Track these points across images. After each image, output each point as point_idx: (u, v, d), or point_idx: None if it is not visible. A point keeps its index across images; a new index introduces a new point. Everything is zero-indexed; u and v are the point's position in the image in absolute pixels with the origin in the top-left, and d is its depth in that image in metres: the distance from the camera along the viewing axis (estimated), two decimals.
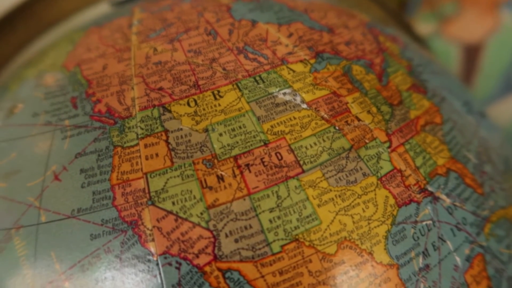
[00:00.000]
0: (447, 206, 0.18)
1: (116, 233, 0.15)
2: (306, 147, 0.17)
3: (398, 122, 0.19)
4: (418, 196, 0.17)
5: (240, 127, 0.17)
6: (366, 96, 0.19)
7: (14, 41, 0.28)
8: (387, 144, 0.18)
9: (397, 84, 0.20)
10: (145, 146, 0.17)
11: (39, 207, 0.17)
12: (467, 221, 0.18)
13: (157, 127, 0.17)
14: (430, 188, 0.18)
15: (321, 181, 0.16)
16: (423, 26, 0.50)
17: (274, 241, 0.15)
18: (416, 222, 0.17)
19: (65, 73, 0.20)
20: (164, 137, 0.17)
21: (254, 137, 0.17)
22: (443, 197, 0.18)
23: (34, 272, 0.16)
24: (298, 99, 0.18)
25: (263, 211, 0.15)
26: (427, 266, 0.16)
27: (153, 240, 0.15)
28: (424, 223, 0.17)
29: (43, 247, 0.16)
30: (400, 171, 0.17)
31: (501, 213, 0.19)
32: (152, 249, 0.15)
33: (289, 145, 0.17)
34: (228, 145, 0.16)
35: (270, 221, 0.15)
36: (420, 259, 0.16)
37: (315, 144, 0.17)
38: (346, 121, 0.18)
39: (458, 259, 0.17)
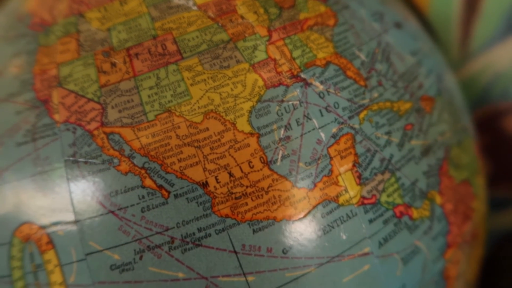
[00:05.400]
0: (319, 91, 0.20)
1: (33, 109, 0.19)
2: (188, 40, 0.20)
3: (284, 21, 0.21)
4: (288, 80, 0.19)
5: (136, 26, 0.20)
6: (256, 0, 0.21)
7: None
8: (266, 38, 0.20)
9: None
10: (62, 44, 0.20)
11: None
12: (339, 105, 0.20)
13: (72, 29, 0.21)
14: (303, 75, 0.20)
15: (197, 65, 0.19)
16: None
17: (150, 111, 0.18)
18: (282, 101, 0.19)
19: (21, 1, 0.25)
20: (76, 36, 0.20)
21: (146, 32, 0.20)
22: (316, 83, 0.20)
23: None
24: (191, 3, 0.21)
25: (144, 89, 0.19)
26: (287, 137, 0.19)
27: (57, 112, 0.19)
28: (290, 102, 0.19)
29: None
30: (274, 60, 0.20)
31: (387, 105, 0.21)
32: (57, 119, 0.19)
33: (174, 38, 0.20)
34: (124, 39, 0.20)
35: (149, 96, 0.19)
36: (282, 131, 0.19)
37: (197, 37, 0.20)
38: (230, 20, 0.20)
39: (322, 134, 0.19)
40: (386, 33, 0.23)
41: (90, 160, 0.18)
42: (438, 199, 0.22)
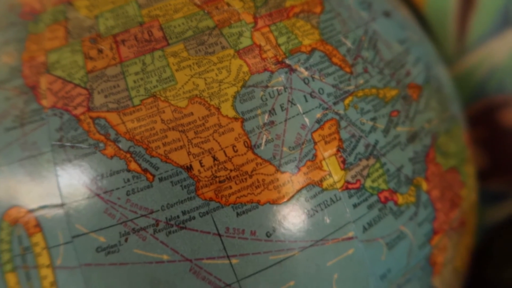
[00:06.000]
0: (303, 77, 0.20)
1: (21, 95, 0.20)
2: (174, 26, 0.20)
3: (270, 8, 0.21)
4: (273, 66, 0.20)
5: (123, 13, 0.20)
6: None
7: None
8: (251, 25, 0.20)
9: None
10: (50, 31, 0.21)
11: None
12: (324, 91, 0.20)
13: (60, 17, 0.21)
14: (288, 62, 0.20)
15: (182, 51, 0.19)
16: None
17: (135, 96, 0.19)
18: (266, 86, 0.19)
19: None
20: (64, 24, 0.21)
21: (133, 19, 0.20)
22: (301, 69, 0.20)
23: None
24: None
25: (130, 74, 0.19)
26: (271, 122, 0.19)
27: (45, 98, 0.19)
28: (274, 88, 0.19)
29: None
30: (259, 46, 0.20)
31: (372, 91, 0.21)
32: (44, 104, 0.19)
33: (160, 25, 0.20)
34: (111, 26, 0.20)
35: (134, 81, 0.19)
36: (266, 116, 0.19)
37: (183, 24, 0.20)
38: (216, 7, 0.20)
39: (307, 120, 0.19)
40: (374, 21, 0.23)
41: (76, 145, 0.18)
42: (424, 186, 0.22)
